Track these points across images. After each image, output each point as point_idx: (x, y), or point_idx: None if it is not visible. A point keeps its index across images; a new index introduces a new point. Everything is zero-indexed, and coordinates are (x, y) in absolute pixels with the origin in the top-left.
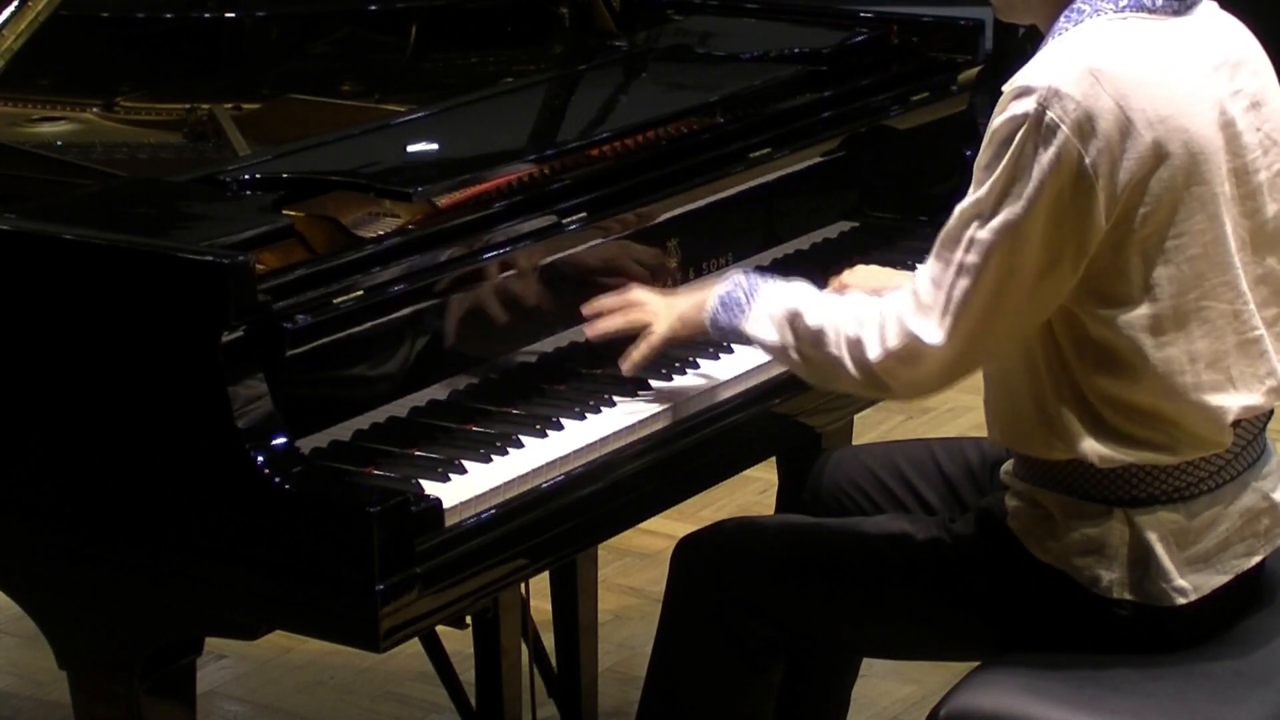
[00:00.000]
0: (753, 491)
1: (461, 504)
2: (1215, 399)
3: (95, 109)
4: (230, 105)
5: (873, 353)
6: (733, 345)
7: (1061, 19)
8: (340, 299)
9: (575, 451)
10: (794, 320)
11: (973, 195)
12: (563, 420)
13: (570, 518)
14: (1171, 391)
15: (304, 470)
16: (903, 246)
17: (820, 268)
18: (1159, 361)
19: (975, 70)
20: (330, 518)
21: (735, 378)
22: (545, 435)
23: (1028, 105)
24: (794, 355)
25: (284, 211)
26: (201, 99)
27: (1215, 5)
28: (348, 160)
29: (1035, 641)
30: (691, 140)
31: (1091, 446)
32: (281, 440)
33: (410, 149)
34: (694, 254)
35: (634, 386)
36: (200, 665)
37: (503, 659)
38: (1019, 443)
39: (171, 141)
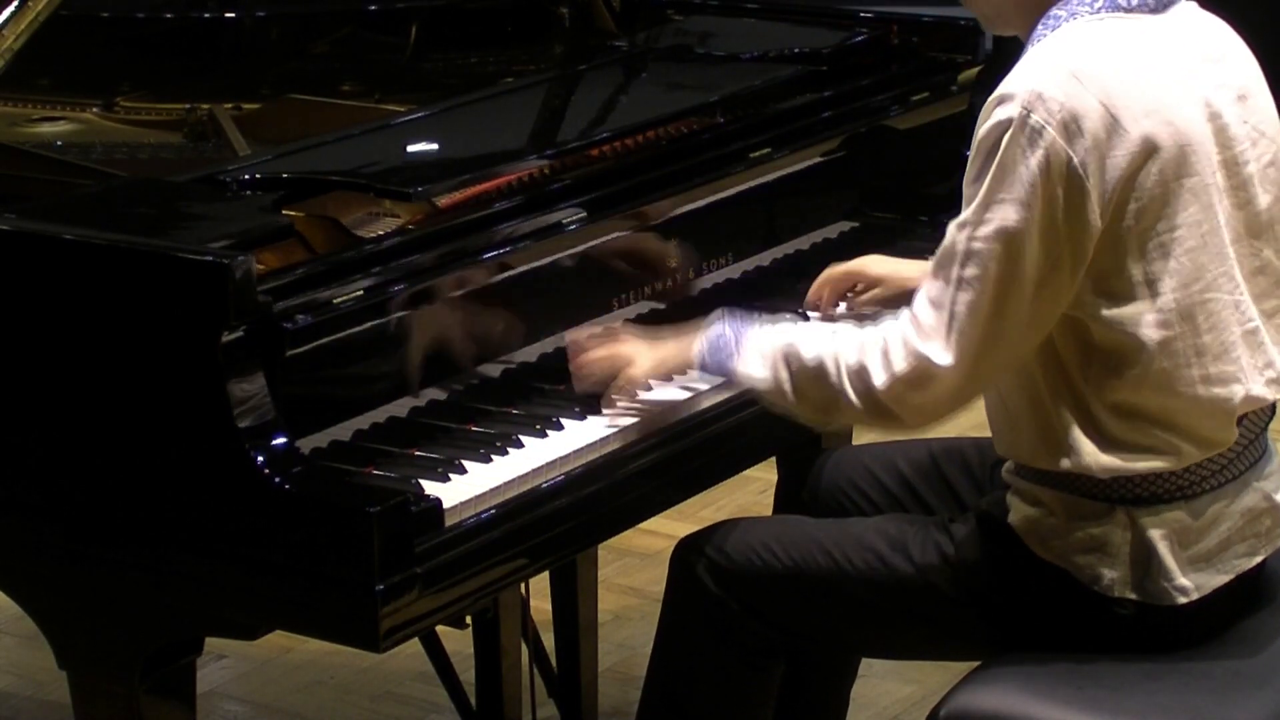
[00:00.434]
0: (753, 491)
1: (461, 504)
2: (1221, 391)
3: (95, 109)
4: (230, 105)
5: (879, 380)
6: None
7: (1039, 26)
8: (340, 299)
9: (575, 451)
10: (788, 356)
11: (964, 210)
12: (563, 420)
13: (570, 518)
14: (1177, 386)
15: (304, 470)
16: (902, 246)
17: (817, 273)
18: (1165, 356)
19: (975, 70)
20: (330, 518)
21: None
22: (545, 435)
23: (1011, 110)
24: (788, 392)
25: (284, 211)
26: (201, 99)
27: (1194, 4)
28: (348, 160)
29: (1036, 641)
30: (691, 140)
31: (1095, 459)
32: (281, 440)
33: (410, 149)
34: (694, 254)
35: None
36: (200, 665)
37: (503, 659)
38: (1022, 456)
39: (171, 141)
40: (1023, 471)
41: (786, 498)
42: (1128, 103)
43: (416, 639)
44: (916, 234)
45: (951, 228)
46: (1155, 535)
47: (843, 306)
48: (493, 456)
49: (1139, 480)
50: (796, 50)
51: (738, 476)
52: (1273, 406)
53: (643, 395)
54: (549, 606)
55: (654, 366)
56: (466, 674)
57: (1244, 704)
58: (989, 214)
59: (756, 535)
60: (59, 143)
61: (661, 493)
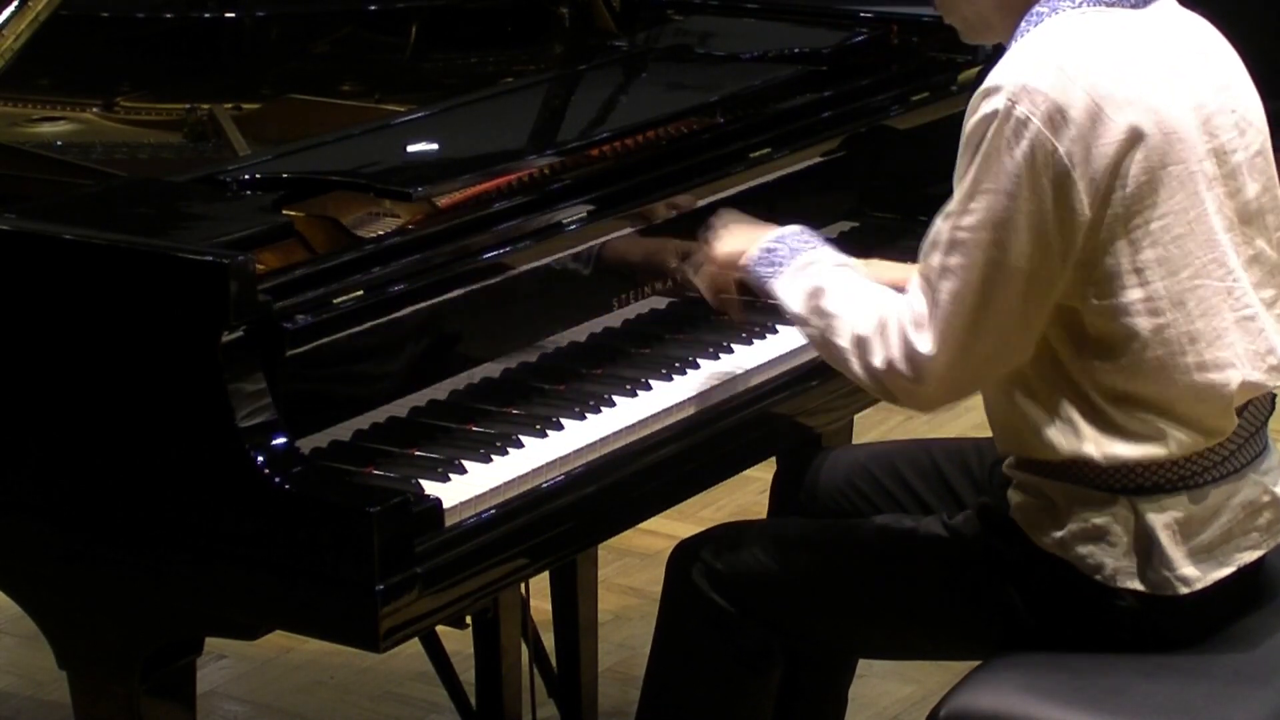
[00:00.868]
0: (753, 491)
1: (461, 504)
2: (1217, 377)
3: (95, 109)
4: (230, 105)
5: (875, 359)
6: (730, 345)
7: (1022, 24)
8: (340, 299)
9: (575, 451)
10: (816, 297)
11: (952, 200)
12: (563, 420)
13: (570, 518)
14: (1173, 374)
15: (304, 470)
16: (902, 246)
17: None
18: (1158, 344)
19: (975, 70)
20: (330, 518)
21: (735, 378)
22: (545, 435)
23: (997, 103)
24: (812, 331)
25: (284, 211)
26: (201, 99)
27: (1174, 1)
28: (348, 160)
29: (1037, 637)
30: (691, 140)
31: (1096, 446)
32: (281, 440)
33: (410, 149)
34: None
35: (634, 387)
36: (200, 665)
37: (503, 659)
38: (1022, 448)
39: (171, 141)
40: (1024, 464)
41: (781, 496)
42: (1112, 92)
43: (416, 639)
44: (916, 234)
45: (940, 215)
46: (1157, 524)
47: None
48: (493, 456)
49: (1140, 469)
50: (796, 50)
51: (738, 476)
52: (1273, 399)
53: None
54: (549, 606)
55: (727, 254)
56: (466, 674)
57: (1244, 703)
58: (974, 204)
59: (754, 538)
60: (59, 143)
61: (661, 493)
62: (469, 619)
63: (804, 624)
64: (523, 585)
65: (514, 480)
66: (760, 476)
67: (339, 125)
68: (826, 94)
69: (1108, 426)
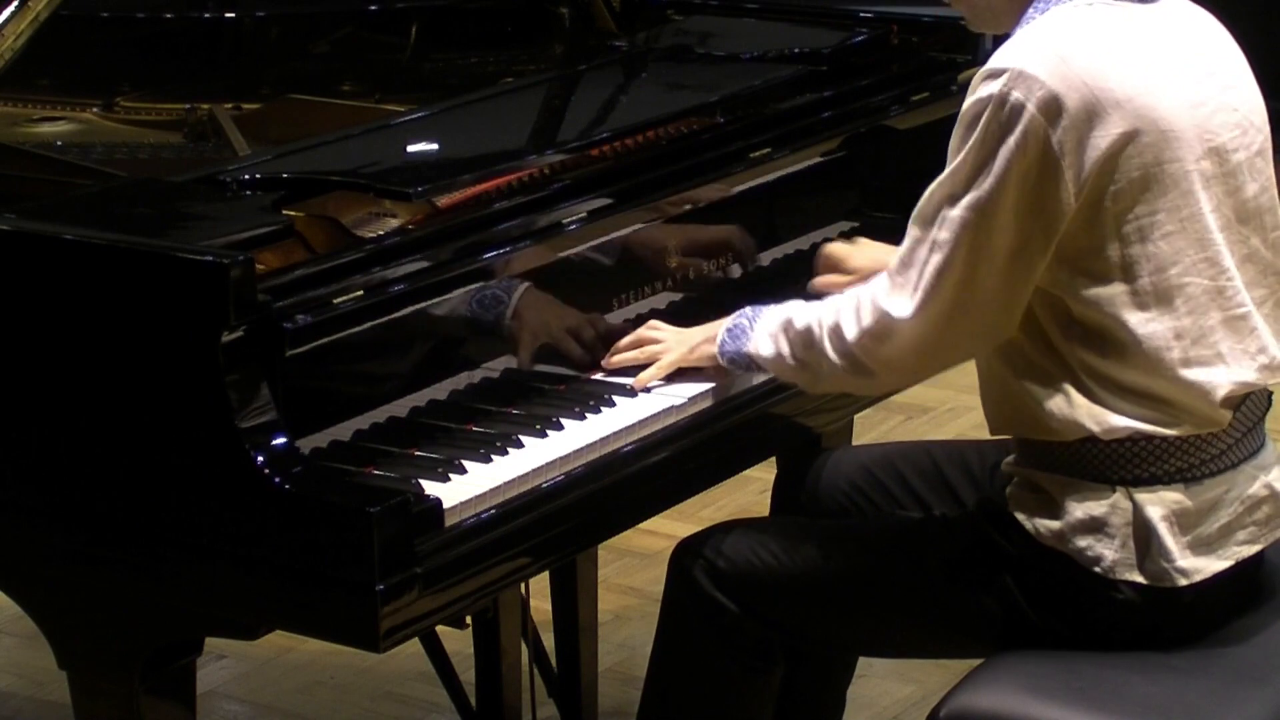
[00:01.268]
0: (753, 491)
1: (461, 504)
2: (1203, 374)
3: (95, 109)
4: (230, 105)
5: (850, 333)
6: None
7: (1030, 10)
8: (340, 299)
9: (575, 451)
10: (786, 329)
11: (943, 175)
12: (563, 420)
13: (570, 518)
14: (1160, 368)
15: (304, 470)
16: None
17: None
18: (1144, 338)
19: (975, 70)
20: (330, 518)
21: (735, 378)
22: (545, 435)
23: (994, 87)
24: (791, 364)
25: (284, 211)
26: (201, 99)
27: None
28: (348, 160)
29: (1037, 634)
30: (691, 140)
31: (1090, 414)
32: (281, 440)
33: (410, 149)
34: (694, 254)
35: (634, 387)
36: (200, 665)
37: (503, 659)
38: (1018, 428)
39: (171, 141)
40: (1023, 460)
41: (783, 497)
42: (1111, 86)
43: (416, 639)
44: None
45: (929, 189)
46: (1154, 515)
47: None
48: (493, 456)
49: (1138, 460)
50: (796, 50)
51: (738, 476)
52: (1269, 396)
53: (660, 385)
54: (549, 606)
55: (682, 357)
56: (466, 674)
57: (1243, 704)
58: (965, 184)
59: (753, 537)
60: (59, 143)
61: (661, 493)
62: (469, 619)
63: (806, 621)
64: (523, 585)
65: (514, 480)
66: (760, 476)
67: (339, 125)
68: (827, 94)
69: (1101, 402)
